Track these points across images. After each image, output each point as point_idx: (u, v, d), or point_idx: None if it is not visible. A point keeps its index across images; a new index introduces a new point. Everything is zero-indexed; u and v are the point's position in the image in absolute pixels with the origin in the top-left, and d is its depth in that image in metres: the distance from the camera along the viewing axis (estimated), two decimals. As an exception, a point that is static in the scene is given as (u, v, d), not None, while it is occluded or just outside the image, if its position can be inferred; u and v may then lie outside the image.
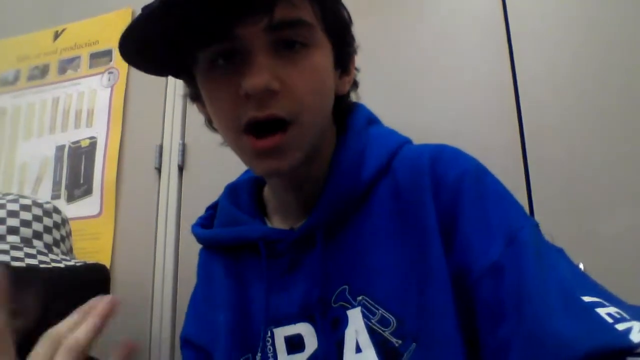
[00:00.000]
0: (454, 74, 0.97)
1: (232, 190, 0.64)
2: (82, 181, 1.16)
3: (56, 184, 1.19)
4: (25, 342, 0.70)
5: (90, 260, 1.06)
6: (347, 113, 0.58)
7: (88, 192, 1.14)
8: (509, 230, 0.46)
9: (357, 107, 0.59)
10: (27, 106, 1.28)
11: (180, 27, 0.45)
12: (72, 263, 0.72)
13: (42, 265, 0.67)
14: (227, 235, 0.59)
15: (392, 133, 0.59)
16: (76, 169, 1.17)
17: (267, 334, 0.52)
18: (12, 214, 0.73)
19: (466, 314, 0.45)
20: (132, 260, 1.05)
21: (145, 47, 0.46)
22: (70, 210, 1.13)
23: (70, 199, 1.16)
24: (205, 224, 0.64)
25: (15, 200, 0.74)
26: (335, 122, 0.57)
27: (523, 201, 0.87)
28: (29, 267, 0.66)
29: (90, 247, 1.08)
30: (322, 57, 0.50)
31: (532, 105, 0.91)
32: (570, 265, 0.45)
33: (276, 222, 0.59)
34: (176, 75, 0.58)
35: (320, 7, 0.49)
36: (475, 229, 0.47)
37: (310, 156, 0.51)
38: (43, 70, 1.30)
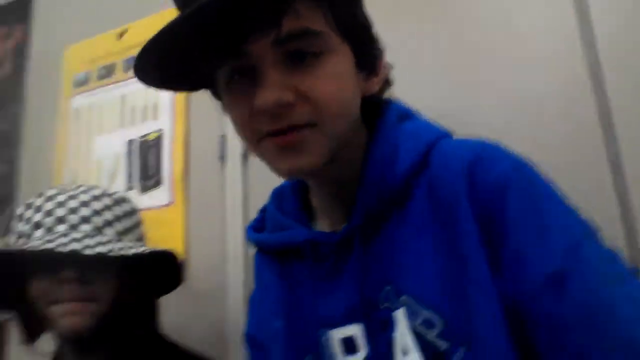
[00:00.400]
0: (523, 56, 0.92)
1: (277, 195, 0.64)
2: (152, 173, 1.22)
3: (129, 177, 1.26)
4: (101, 326, 0.75)
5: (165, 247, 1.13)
6: (378, 113, 0.57)
7: (158, 183, 1.20)
8: (569, 239, 0.44)
9: (388, 105, 0.58)
10: (98, 104, 1.36)
11: (191, 47, 0.47)
12: (140, 250, 0.74)
13: (111, 254, 0.70)
14: (274, 240, 0.60)
15: (428, 126, 0.57)
16: (146, 162, 1.24)
17: (323, 336, 0.53)
18: (84, 203, 0.75)
19: (516, 326, 0.44)
20: (204, 247, 1.10)
21: (163, 66, 0.48)
22: (144, 201, 1.20)
23: (143, 190, 1.22)
24: (258, 227, 0.65)
25: (86, 191, 0.78)
26: (366, 123, 0.57)
27: (610, 194, 0.81)
28: (100, 255, 0.70)
29: (163, 236, 1.14)
30: (339, 62, 0.49)
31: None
32: (632, 271, 0.43)
33: (321, 226, 0.60)
34: (192, 90, 0.60)
35: (333, 13, 0.49)
36: (530, 237, 0.44)
37: (335, 159, 0.50)
38: (110, 70, 1.37)
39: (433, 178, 0.51)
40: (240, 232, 1.06)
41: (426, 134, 0.54)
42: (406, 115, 0.58)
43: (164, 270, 0.83)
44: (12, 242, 0.78)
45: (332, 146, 0.49)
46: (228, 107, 0.52)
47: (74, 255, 0.68)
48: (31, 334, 0.80)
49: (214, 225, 1.09)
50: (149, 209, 1.17)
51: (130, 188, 1.25)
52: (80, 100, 1.40)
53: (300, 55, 0.47)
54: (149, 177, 1.22)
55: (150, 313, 0.86)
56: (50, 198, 0.76)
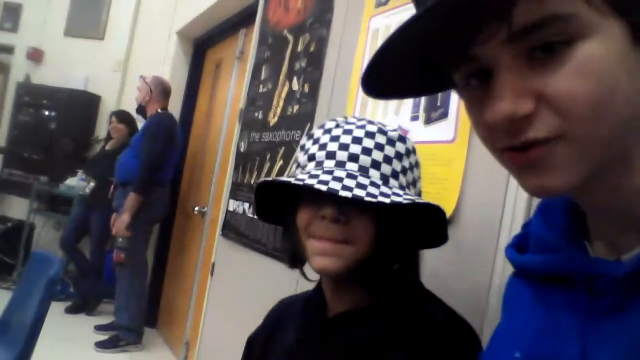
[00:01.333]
0: None
1: (545, 208, 0.52)
2: (439, 104, 1.11)
3: (416, 105, 1.18)
4: (356, 268, 0.72)
5: (440, 187, 1.04)
6: None
7: (444, 115, 1.09)
8: None
9: None
10: (395, 25, 1.30)
11: (417, 56, 0.42)
12: (400, 199, 0.68)
13: (367, 198, 0.66)
14: (539, 264, 0.49)
15: None
16: (435, 90, 1.13)
17: None
18: (356, 140, 0.73)
19: None
20: (482, 191, 0.96)
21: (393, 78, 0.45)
22: (426, 133, 1.11)
23: (427, 121, 1.13)
24: (521, 245, 0.54)
25: (363, 126, 0.75)
26: None
27: None
28: (355, 199, 0.66)
29: (441, 173, 1.04)
30: (600, 45, 0.37)
31: None
32: None
33: (599, 248, 0.46)
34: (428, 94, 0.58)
35: None
36: None
37: (604, 175, 0.40)
38: (410, -13, 1.28)
39: None
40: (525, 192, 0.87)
41: None
42: None
43: (429, 221, 0.75)
44: (292, 169, 0.82)
45: (589, 162, 0.38)
46: (466, 112, 0.45)
47: (334, 194, 0.67)
48: (293, 259, 0.84)
49: (496, 171, 0.93)
50: (429, 142, 1.08)
51: (414, 117, 1.17)
52: (378, 21, 1.36)
53: (544, 47, 0.37)
54: (437, 108, 1.12)
55: (410, 261, 0.80)
56: (327, 131, 0.76)
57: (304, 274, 0.85)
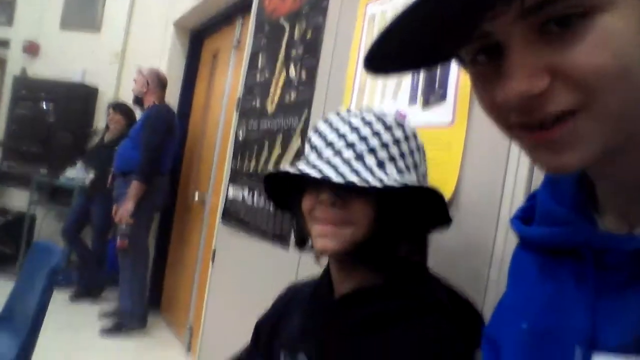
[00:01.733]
0: None
1: (553, 180, 0.51)
2: (437, 86, 1.12)
3: (414, 89, 1.19)
4: (358, 249, 0.75)
5: (441, 170, 1.05)
6: None
7: (442, 97, 1.10)
8: None
9: None
10: (391, 10, 1.31)
11: (427, 32, 0.40)
12: (391, 183, 0.71)
13: (359, 184, 0.70)
14: (545, 236, 0.49)
15: None
16: (432, 73, 1.14)
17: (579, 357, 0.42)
18: (353, 129, 0.76)
19: None
20: (482, 171, 0.98)
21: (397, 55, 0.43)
22: (424, 116, 1.12)
23: (425, 104, 1.14)
24: (526, 217, 0.54)
25: (359, 115, 0.78)
26: None
27: None
28: (347, 185, 0.70)
29: (441, 157, 1.05)
30: (619, 19, 0.35)
31: None
32: None
33: (609, 222, 0.45)
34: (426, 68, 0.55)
35: None
36: None
37: (624, 148, 0.39)
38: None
39: None
40: (524, 171, 0.89)
41: None
42: None
43: (431, 205, 0.78)
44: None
45: (607, 137, 0.37)
46: (473, 88, 0.43)
47: (329, 181, 0.71)
48: (300, 242, 0.88)
49: (496, 151, 0.95)
50: (428, 126, 1.09)
51: (412, 101, 1.18)
52: (374, 8, 1.36)
53: (560, 20, 0.36)
54: (435, 91, 1.13)
55: (416, 245, 0.83)
56: (326, 121, 0.80)
57: (316, 258, 0.88)
